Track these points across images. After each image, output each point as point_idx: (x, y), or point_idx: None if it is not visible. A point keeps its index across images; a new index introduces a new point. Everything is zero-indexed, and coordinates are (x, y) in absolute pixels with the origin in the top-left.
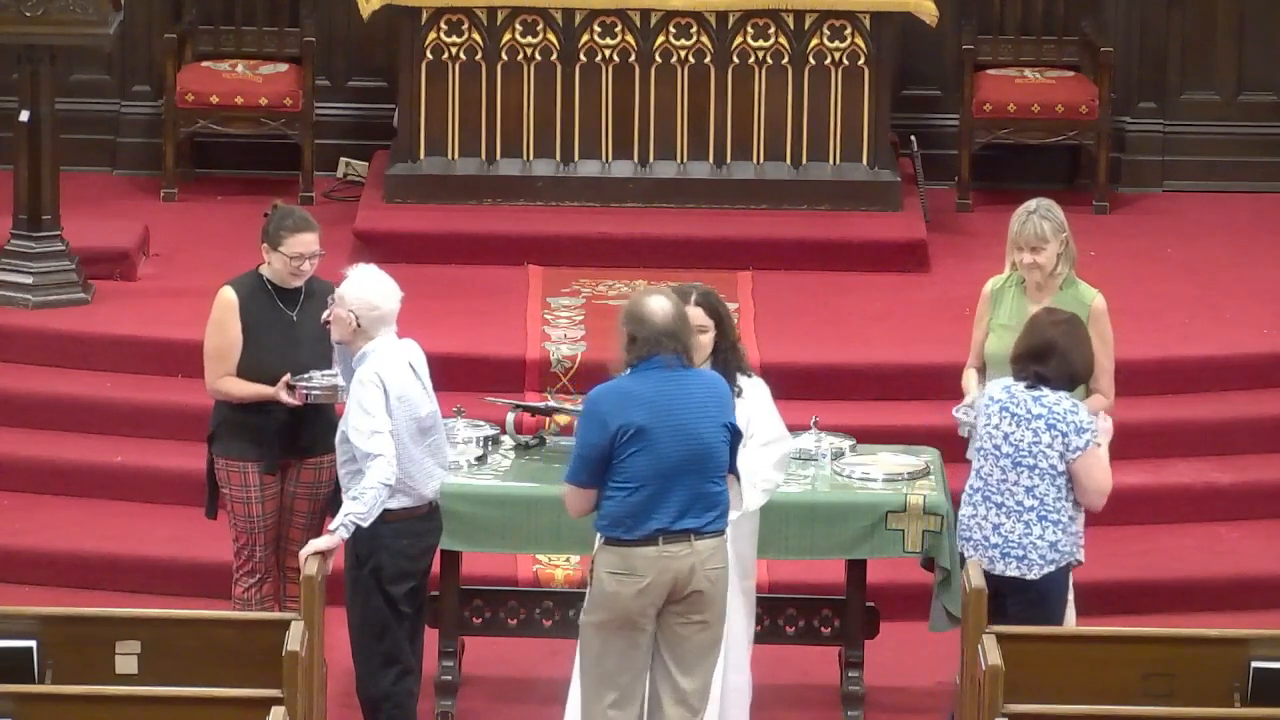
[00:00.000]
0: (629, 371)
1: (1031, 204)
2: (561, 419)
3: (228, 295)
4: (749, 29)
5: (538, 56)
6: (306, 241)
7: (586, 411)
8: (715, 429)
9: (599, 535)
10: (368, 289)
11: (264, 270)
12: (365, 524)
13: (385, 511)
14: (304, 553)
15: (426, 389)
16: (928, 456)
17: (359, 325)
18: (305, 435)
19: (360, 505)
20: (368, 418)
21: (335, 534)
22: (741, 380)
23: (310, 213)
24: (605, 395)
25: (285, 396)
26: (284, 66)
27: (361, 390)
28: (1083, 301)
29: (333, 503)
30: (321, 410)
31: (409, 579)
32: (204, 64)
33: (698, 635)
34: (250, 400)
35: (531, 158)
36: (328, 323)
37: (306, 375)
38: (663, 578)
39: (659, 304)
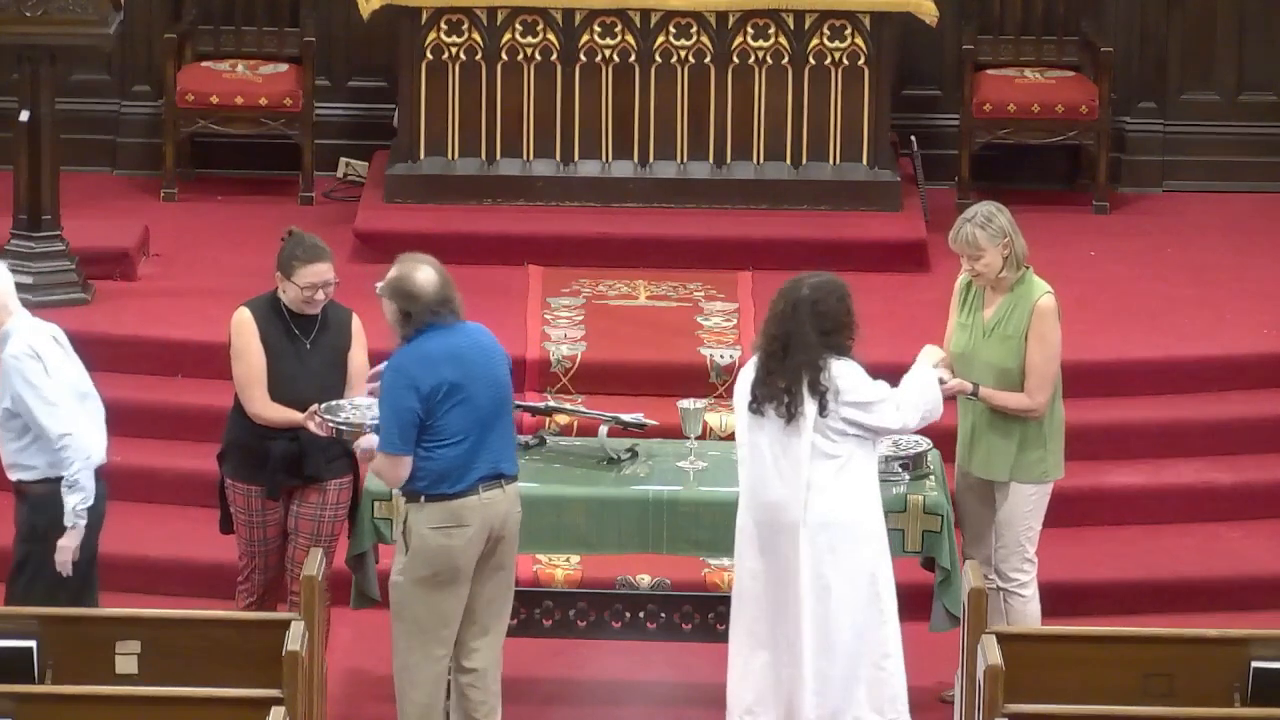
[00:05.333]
0: (410, 338)
1: (970, 210)
2: (561, 419)
3: (245, 316)
4: (749, 29)
5: (538, 56)
6: (320, 271)
7: (393, 380)
8: (507, 374)
9: (412, 496)
10: None
11: (281, 295)
12: (91, 503)
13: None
14: (59, 560)
15: (73, 357)
16: (926, 443)
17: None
18: (310, 463)
19: (80, 492)
20: (41, 391)
21: (76, 528)
22: None
23: (310, 212)
24: (408, 361)
25: (313, 427)
26: (284, 66)
27: (23, 366)
28: (1030, 300)
29: (352, 520)
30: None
31: (89, 546)
32: (204, 64)
33: (504, 580)
34: (281, 426)
35: (531, 158)
36: None
37: (337, 404)
38: (485, 525)
39: (425, 275)
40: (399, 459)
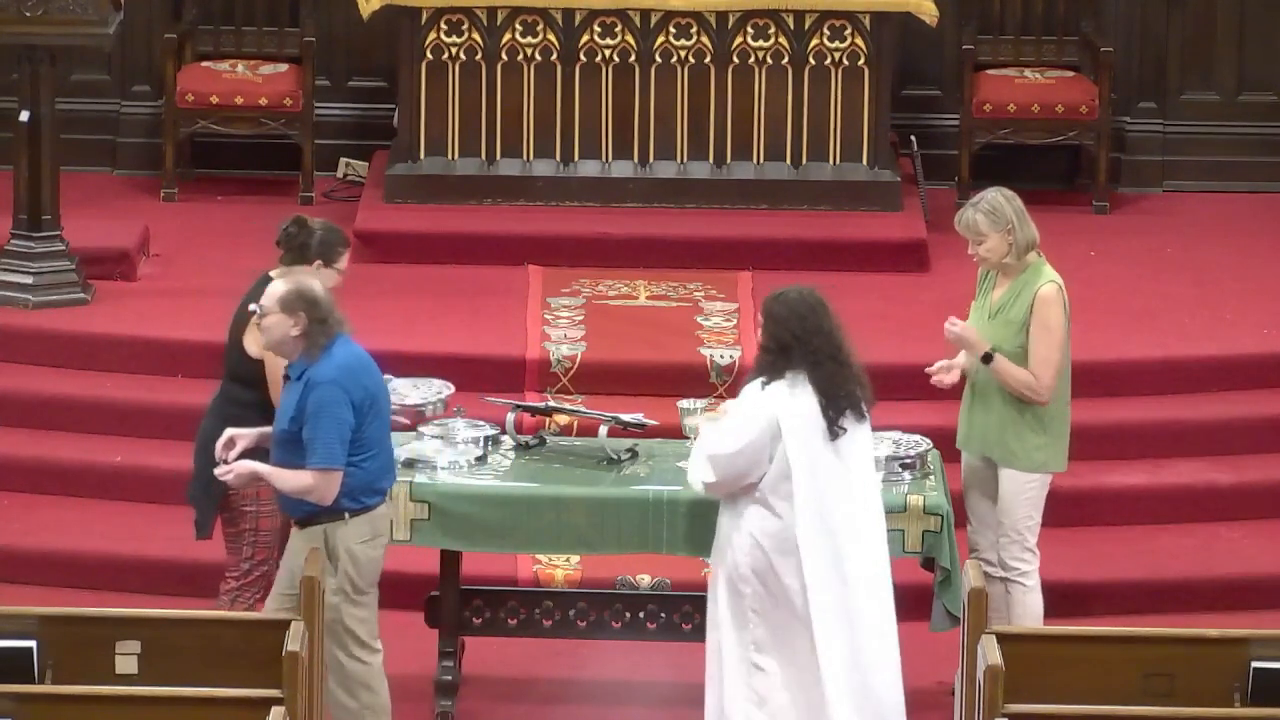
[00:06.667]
0: (325, 349)
1: (978, 195)
2: (561, 419)
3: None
4: (749, 29)
5: (538, 56)
6: None
7: (331, 394)
8: None
9: (335, 514)
10: None
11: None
12: None
13: None
14: None
15: None
16: (926, 443)
17: None
18: None
19: None
20: None
21: None
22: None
23: (310, 213)
24: (339, 374)
25: None
26: (284, 66)
27: None
28: (1034, 287)
29: None
30: None
31: None
32: (204, 64)
33: None
34: None
35: (531, 158)
36: None
37: (386, 377)
38: (387, 531)
39: (314, 283)
40: (336, 474)
